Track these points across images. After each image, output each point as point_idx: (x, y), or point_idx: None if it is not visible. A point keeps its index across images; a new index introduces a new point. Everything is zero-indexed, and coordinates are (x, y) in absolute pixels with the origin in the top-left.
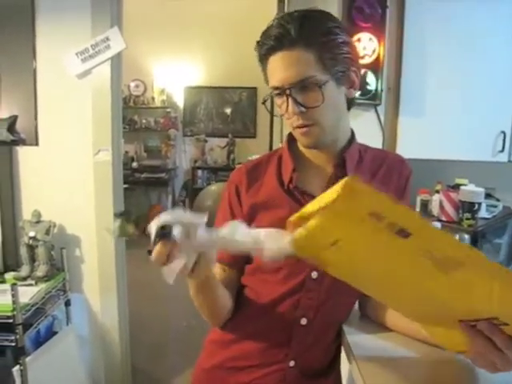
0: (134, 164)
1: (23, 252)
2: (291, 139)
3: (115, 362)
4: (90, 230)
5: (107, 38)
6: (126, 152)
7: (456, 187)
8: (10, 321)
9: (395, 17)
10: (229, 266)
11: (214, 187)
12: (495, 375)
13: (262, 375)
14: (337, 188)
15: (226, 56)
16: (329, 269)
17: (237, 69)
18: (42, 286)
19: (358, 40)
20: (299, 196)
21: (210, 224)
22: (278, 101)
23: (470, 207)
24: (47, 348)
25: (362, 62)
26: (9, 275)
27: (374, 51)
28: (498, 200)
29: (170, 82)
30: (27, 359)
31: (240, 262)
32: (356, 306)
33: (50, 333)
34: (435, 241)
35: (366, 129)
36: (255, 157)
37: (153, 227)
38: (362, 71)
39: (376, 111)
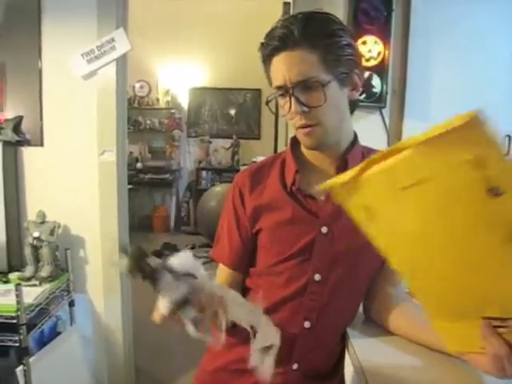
0: (139, 165)
1: (27, 252)
2: (294, 142)
3: (118, 363)
4: (94, 231)
5: (113, 40)
6: (131, 153)
7: None
8: (14, 321)
9: (401, 19)
10: (233, 269)
11: (219, 188)
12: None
13: None
14: (457, 119)
15: (231, 57)
16: (378, 218)
17: (241, 70)
18: (46, 286)
19: (364, 43)
20: (301, 198)
21: (215, 225)
22: (281, 101)
23: None
24: (51, 348)
25: (367, 64)
26: (13, 275)
27: (379, 54)
28: None
29: (174, 83)
30: (31, 359)
31: (244, 264)
32: (360, 309)
33: (54, 333)
34: None
35: (371, 131)
36: (259, 158)
37: (166, 301)
38: (368, 74)
39: (381, 114)
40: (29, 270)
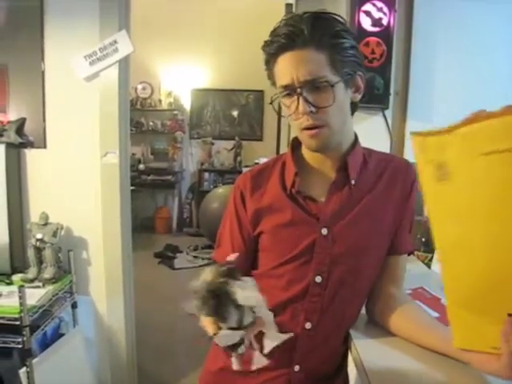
0: (141, 166)
1: (30, 254)
2: (295, 145)
3: (121, 364)
4: (97, 233)
5: (115, 41)
6: (133, 154)
7: None
8: (17, 323)
9: (403, 21)
10: None
11: (221, 190)
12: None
13: (267, 379)
14: None
15: (233, 59)
16: (449, 178)
17: (244, 71)
18: (49, 288)
19: (366, 44)
20: (301, 200)
21: (217, 226)
22: (286, 101)
23: None
24: (54, 350)
25: (370, 65)
26: (16, 277)
27: (381, 55)
28: None
29: (177, 85)
30: (34, 361)
31: (246, 266)
32: (363, 310)
33: (57, 335)
34: None
35: (374, 133)
36: (262, 159)
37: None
38: (370, 75)
39: (384, 115)
40: (32, 272)
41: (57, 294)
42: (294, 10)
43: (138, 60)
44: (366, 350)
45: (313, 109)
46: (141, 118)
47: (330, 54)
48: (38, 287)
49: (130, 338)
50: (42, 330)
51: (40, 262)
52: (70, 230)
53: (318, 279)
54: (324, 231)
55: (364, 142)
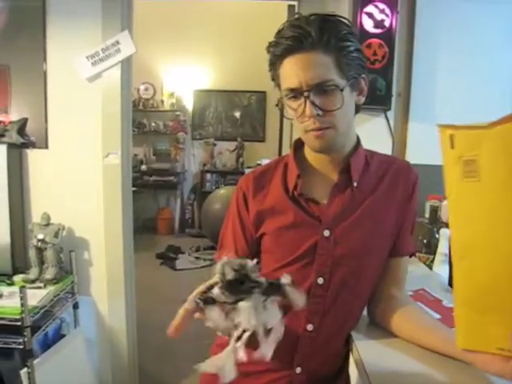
0: (143, 167)
1: (32, 255)
2: (297, 146)
3: (123, 365)
4: (98, 233)
5: (117, 42)
6: (135, 155)
7: None
8: (19, 323)
9: (406, 22)
10: None
11: (223, 191)
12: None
13: (268, 381)
14: None
15: (236, 60)
16: (478, 175)
17: (246, 72)
18: (51, 288)
19: (369, 45)
20: (304, 202)
21: (219, 227)
22: (292, 103)
23: None
24: (55, 351)
25: (372, 67)
26: (17, 278)
27: (384, 57)
28: None
29: (179, 86)
30: (35, 362)
31: None
32: (365, 312)
33: (58, 335)
34: None
35: (376, 134)
36: (264, 160)
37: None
38: (373, 76)
39: (386, 116)
40: (33, 273)
41: (58, 294)
42: (296, 11)
43: (140, 61)
44: (367, 352)
45: (320, 112)
46: (143, 118)
47: (336, 56)
48: (40, 288)
49: (131, 339)
50: (44, 330)
51: (41, 262)
52: (71, 231)
53: (320, 281)
54: (326, 233)
55: (366, 144)
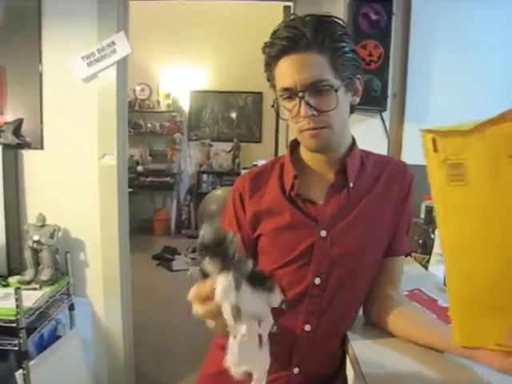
0: (139, 168)
1: (27, 256)
2: (293, 147)
3: (119, 366)
4: (94, 234)
5: (113, 43)
6: (131, 156)
7: None
8: (14, 325)
9: (401, 23)
10: None
11: (219, 191)
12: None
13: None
14: None
15: (232, 60)
16: (465, 179)
17: (242, 73)
18: (46, 289)
19: (364, 46)
20: (300, 203)
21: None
22: (287, 104)
23: None
24: (51, 352)
25: (367, 68)
26: (13, 279)
27: (379, 57)
28: None
29: (175, 86)
30: (30, 363)
31: None
32: (360, 312)
33: (54, 337)
34: None
35: (372, 135)
36: (260, 161)
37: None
38: (368, 77)
39: (381, 117)
40: (29, 274)
41: (54, 295)
42: (291, 12)
43: (136, 61)
44: (362, 352)
45: (315, 112)
46: (139, 119)
47: (331, 57)
48: (35, 289)
49: (127, 340)
50: (39, 332)
51: (37, 263)
52: (67, 232)
53: (317, 281)
54: (323, 233)
55: (362, 145)
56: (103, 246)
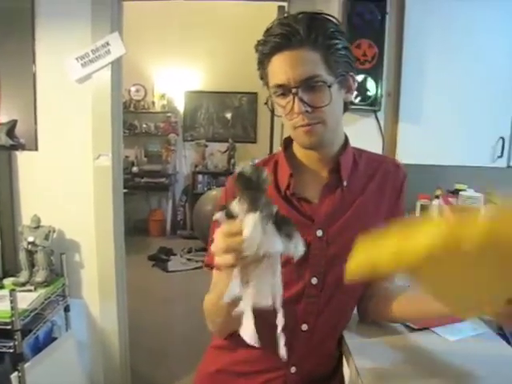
0: (135, 169)
1: (22, 257)
2: (287, 144)
3: (115, 368)
4: (89, 236)
5: (107, 43)
6: (127, 157)
7: (455, 192)
8: (9, 327)
9: (395, 23)
10: None
11: (215, 192)
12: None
13: (263, 381)
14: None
15: (227, 61)
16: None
17: (237, 74)
18: (41, 291)
19: (358, 46)
20: (296, 202)
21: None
22: (281, 101)
23: None
24: (46, 354)
25: (361, 67)
26: (7, 281)
27: (373, 57)
28: None
29: (170, 87)
30: (26, 365)
31: None
32: (354, 310)
33: (50, 339)
34: None
35: (366, 134)
36: (256, 161)
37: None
38: (362, 77)
39: (376, 117)
40: (23, 275)
41: (49, 297)
42: (286, 12)
43: (131, 62)
44: (359, 352)
45: (308, 108)
46: (134, 120)
47: (324, 54)
48: (30, 291)
49: (123, 341)
50: (34, 334)
51: (32, 265)
52: (62, 233)
53: (314, 281)
54: (319, 233)
55: (356, 144)
56: (98, 247)
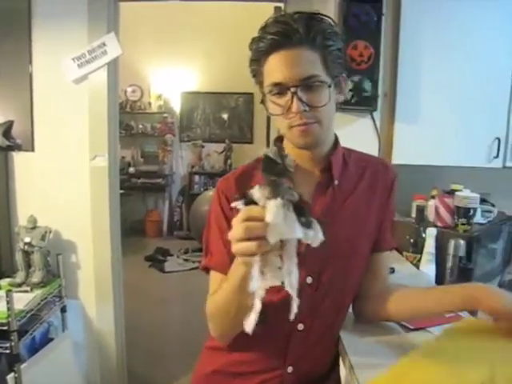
0: (131, 169)
1: (18, 258)
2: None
3: (111, 368)
4: (86, 236)
5: (104, 44)
6: (123, 157)
7: (451, 193)
8: (5, 328)
9: (391, 24)
10: None
11: (211, 193)
12: None
13: (260, 381)
14: None
15: (223, 61)
16: None
17: (233, 74)
18: (38, 292)
19: (355, 46)
20: None
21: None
22: (277, 100)
23: (465, 213)
24: (43, 355)
25: (358, 68)
26: (4, 282)
27: (369, 58)
28: (493, 205)
29: (166, 88)
30: (22, 366)
31: None
32: (349, 309)
33: (46, 339)
34: None
35: (362, 135)
36: (245, 164)
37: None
38: (358, 77)
39: (372, 117)
40: (20, 276)
41: (45, 298)
42: (282, 13)
43: (127, 62)
44: (354, 350)
45: (307, 108)
46: (130, 120)
47: (322, 54)
48: (26, 291)
49: (119, 342)
50: (31, 334)
51: (28, 265)
52: (58, 234)
53: (309, 280)
54: None
55: (352, 144)
56: (95, 247)
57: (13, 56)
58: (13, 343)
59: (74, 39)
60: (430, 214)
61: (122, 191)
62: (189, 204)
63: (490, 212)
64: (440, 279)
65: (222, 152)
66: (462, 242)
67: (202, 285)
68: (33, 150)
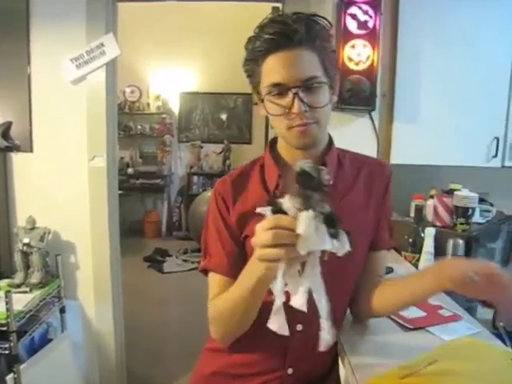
0: (130, 170)
1: (17, 259)
2: (272, 146)
3: (111, 369)
4: (85, 237)
5: (102, 44)
6: (122, 158)
7: (450, 192)
8: (4, 328)
9: (389, 23)
10: (233, 277)
11: (210, 193)
12: None
13: (260, 383)
14: None
15: (222, 62)
16: None
17: (232, 75)
18: (37, 293)
19: (353, 46)
20: None
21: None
22: (277, 100)
23: (464, 212)
24: (42, 355)
25: (356, 68)
26: (3, 282)
27: (368, 58)
28: (491, 205)
29: (165, 88)
30: (21, 367)
31: (237, 270)
32: (348, 313)
33: (45, 340)
34: None
35: (361, 135)
36: (241, 166)
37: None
38: (357, 77)
39: (370, 117)
40: (19, 277)
41: (44, 298)
42: (280, 13)
43: (126, 63)
44: (353, 350)
45: (307, 109)
46: (129, 121)
47: (320, 55)
48: (25, 292)
49: (119, 342)
50: (30, 335)
51: (27, 266)
52: (57, 234)
53: None
54: None
55: (351, 144)
56: (94, 248)
57: (11, 57)
58: (12, 344)
59: (72, 40)
60: (429, 214)
61: (120, 192)
62: (187, 204)
63: (489, 211)
64: None
65: (220, 152)
66: (460, 241)
67: (200, 285)
68: (31, 150)
